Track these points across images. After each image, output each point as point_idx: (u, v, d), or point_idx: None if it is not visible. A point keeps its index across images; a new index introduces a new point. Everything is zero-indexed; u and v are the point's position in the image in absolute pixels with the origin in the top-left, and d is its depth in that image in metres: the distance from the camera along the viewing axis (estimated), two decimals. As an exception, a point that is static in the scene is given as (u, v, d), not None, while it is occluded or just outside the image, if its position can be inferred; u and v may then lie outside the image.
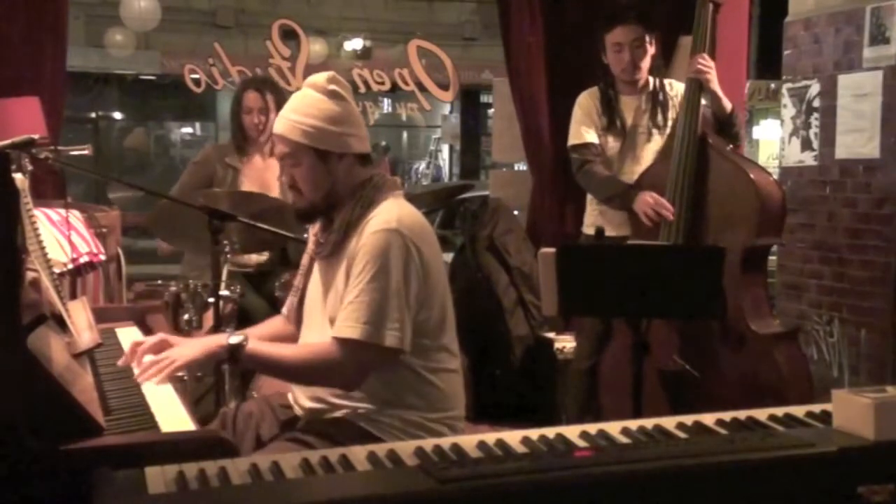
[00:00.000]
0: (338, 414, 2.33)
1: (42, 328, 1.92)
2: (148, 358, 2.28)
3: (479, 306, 4.61)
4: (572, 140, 3.89)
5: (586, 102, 3.89)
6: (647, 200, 3.55)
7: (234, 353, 2.25)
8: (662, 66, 3.93)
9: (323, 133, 2.32)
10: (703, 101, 3.61)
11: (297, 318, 2.54)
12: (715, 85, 3.59)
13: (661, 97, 3.84)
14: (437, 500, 1.45)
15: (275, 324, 2.66)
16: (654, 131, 3.84)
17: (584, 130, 3.84)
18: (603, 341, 3.76)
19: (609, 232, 3.64)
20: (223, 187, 4.12)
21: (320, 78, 2.36)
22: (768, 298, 3.67)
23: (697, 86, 3.59)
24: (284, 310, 2.64)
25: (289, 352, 2.35)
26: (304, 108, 2.34)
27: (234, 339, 2.26)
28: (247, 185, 4.16)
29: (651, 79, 3.87)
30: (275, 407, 2.50)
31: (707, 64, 3.58)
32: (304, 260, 2.55)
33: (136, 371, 2.27)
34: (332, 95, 2.33)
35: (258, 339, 2.49)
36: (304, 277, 2.53)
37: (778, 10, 5.65)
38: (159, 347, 2.32)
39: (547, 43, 5.01)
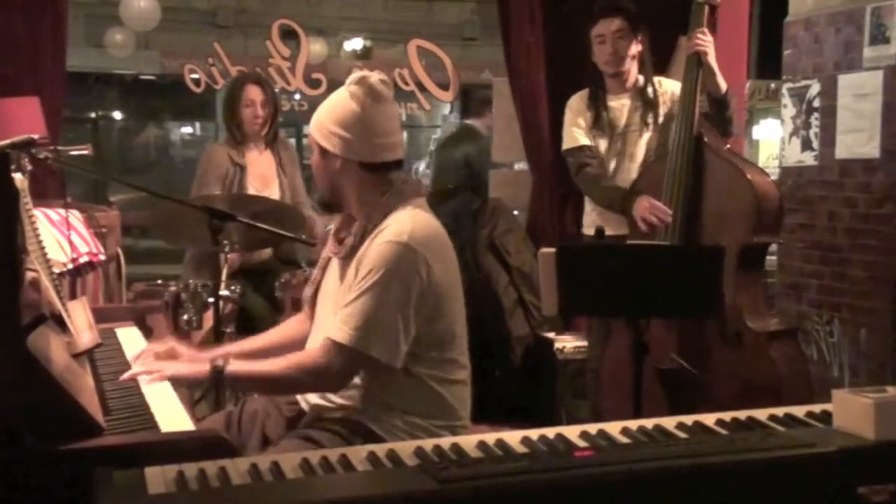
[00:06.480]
0: (344, 413, 2.34)
1: (42, 328, 1.92)
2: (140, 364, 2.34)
3: (479, 306, 4.59)
4: (566, 144, 3.89)
5: (576, 105, 3.89)
6: (644, 205, 3.53)
7: (217, 377, 2.26)
8: (651, 66, 3.90)
9: (328, 132, 2.35)
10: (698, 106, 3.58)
11: (312, 308, 2.56)
12: (712, 60, 3.57)
13: (650, 94, 3.82)
14: (437, 500, 1.45)
15: (291, 325, 2.68)
16: (646, 129, 3.83)
17: (576, 133, 3.84)
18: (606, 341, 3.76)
19: (609, 232, 3.64)
20: (233, 185, 4.16)
21: (353, 77, 2.38)
22: (766, 297, 3.67)
23: (696, 63, 3.55)
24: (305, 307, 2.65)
25: (270, 366, 2.33)
26: (326, 103, 2.41)
27: (216, 362, 2.27)
28: (251, 181, 4.18)
29: (640, 77, 3.86)
30: (280, 404, 2.51)
31: (706, 38, 3.56)
32: (324, 253, 2.57)
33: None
34: (352, 97, 2.35)
35: (272, 342, 2.57)
36: (321, 270, 2.55)
37: (778, 10, 5.64)
38: (166, 355, 2.41)
39: (547, 43, 5.01)
